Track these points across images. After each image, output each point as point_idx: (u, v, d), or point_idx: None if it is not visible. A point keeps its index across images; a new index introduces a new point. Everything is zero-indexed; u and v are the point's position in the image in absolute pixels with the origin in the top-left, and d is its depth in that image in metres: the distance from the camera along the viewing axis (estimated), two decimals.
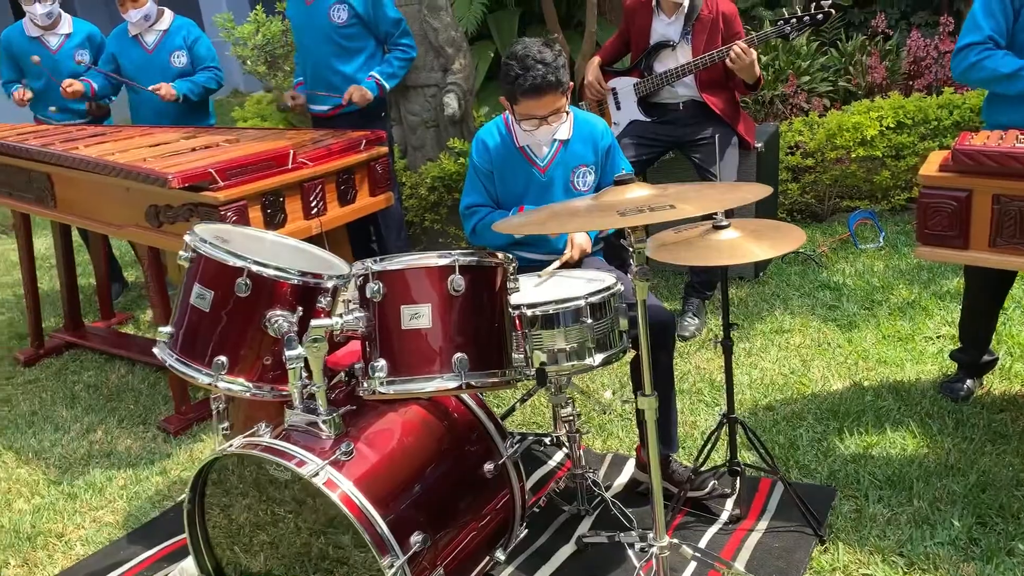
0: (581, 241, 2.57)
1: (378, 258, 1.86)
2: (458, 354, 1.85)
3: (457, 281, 1.84)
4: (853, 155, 4.47)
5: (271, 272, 2.00)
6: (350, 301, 1.96)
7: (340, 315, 1.90)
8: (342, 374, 2.14)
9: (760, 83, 3.67)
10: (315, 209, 3.19)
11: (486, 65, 5.23)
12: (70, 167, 3.21)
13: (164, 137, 3.48)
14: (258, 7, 6.45)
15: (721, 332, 2.38)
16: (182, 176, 2.78)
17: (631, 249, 1.79)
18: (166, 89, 3.91)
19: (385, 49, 3.71)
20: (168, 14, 4.03)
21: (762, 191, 1.90)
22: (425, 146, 4.68)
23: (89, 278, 4.66)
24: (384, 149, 3.49)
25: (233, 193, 2.85)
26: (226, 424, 2.35)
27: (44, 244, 5.64)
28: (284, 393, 2.08)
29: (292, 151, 3.13)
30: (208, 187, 2.86)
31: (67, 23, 4.20)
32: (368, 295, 1.87)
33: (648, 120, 3.79)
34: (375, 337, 1.89)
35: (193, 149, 3.25)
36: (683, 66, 3.64)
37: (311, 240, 3.18)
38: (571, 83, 2.48)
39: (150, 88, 3.88)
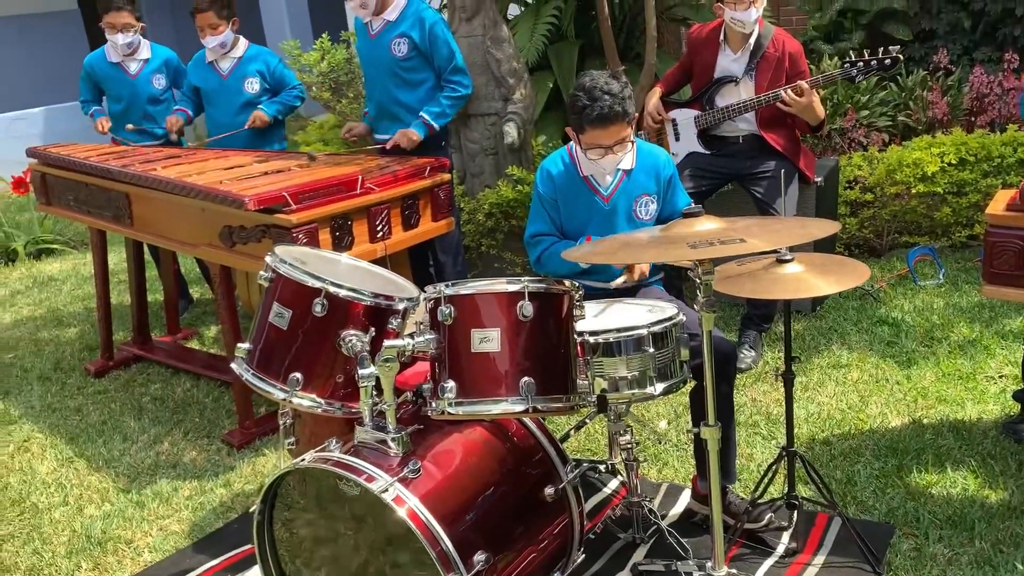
0: (642, 268, 2.61)
1: (450, 283, 1.93)
2: (525, 378, 1.90)
3: (526, 307, 1.90)
4: (913, 191, 4.44)
5: (346, 293, 2.08)
6: (421, 323, 2.03)
7: (411, 336, 1.97)
8: (409, 393, 2.20)
9: (823, 124, 3.69)
10: (380, 233, 3.29)
11: (545, 95, 5.31)
12: (149, 187, 3.36)
13: (238, 160, 3.61)
14: (324, 35, 6.67)
15: (779, 365, 2.39)
16: (258, 199, 2.90)
17: (698, 281, 1.83)
18: (259, 118, 4.04)
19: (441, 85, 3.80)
20: (243, 42, 4.19)
21: (829, 227, 1.93)
22: (484, 173, 4.77)
23: (157, 294, 4.82)
24: (447, 176, 3.58)
25: (305, 216, 2.96)
26: (292, 439, 2.42)
27: (113, 260, 5.84)
28: (353, 410, 2.15)
29: (361, 177, 3.23)
30: (281, 210, 2.97)
31: (146, 48, 4.39)
32: (439, 318, 1.93)
33: (707, 152, 3.83)
34: (445, 359, 1.95)
35: (266, 173, 3.37)
36: (745, 102, 3.67)
37: (376, 263, 3.29)
38: (636, 114, 2.54)
39: (246, 126, 4.03)
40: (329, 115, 6.73)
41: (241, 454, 3.29)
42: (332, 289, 2.06)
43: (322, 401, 2.13)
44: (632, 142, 2.57)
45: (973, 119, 5.29)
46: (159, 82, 4.37)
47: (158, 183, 3.28)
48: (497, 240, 4.68)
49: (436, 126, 3.72)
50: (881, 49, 3.46)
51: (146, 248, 4.28)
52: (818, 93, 3.56)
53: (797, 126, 3.78)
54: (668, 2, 5.67)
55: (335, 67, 6.40)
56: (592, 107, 2.43)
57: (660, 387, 2.20)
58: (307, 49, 6.67)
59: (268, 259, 2.16)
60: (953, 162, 4.42)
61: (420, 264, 4.01)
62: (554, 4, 5.16)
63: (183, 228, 3.39)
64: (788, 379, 2.39)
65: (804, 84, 3.48)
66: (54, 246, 6.17)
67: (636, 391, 2.19)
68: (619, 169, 2.65)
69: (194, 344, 4.43)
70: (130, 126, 4.21)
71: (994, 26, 6.21)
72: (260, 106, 4.09)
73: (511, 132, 4.55)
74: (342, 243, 3.14)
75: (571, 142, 2.70)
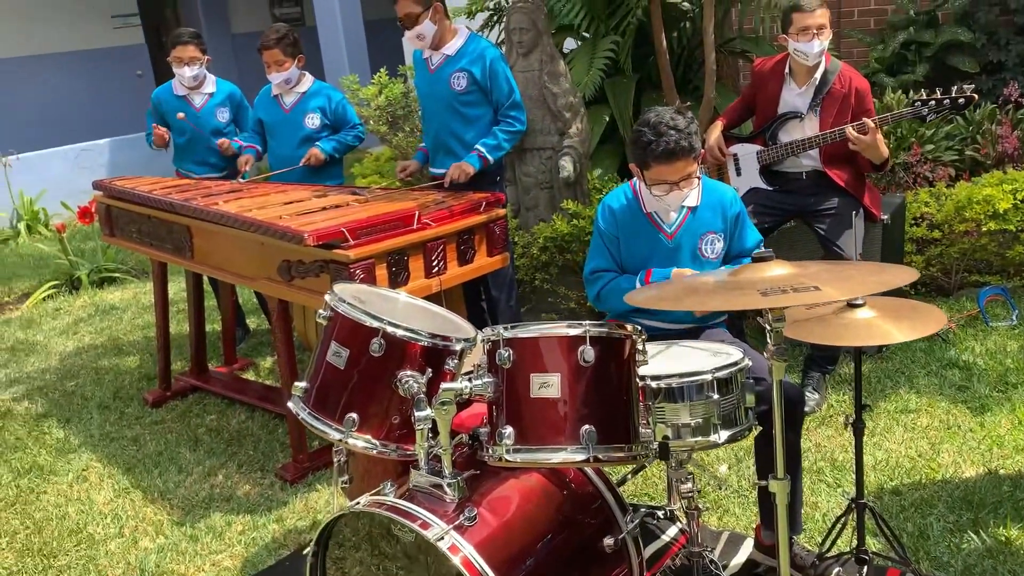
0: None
1: (509, 325, 1.89)
2: (586, 426, 1.85)
3: (588, 352, 1.85)
4: (984, 228, 4.29)
5: (403, 333, 2.05)
6: (479, 365, 1.99)
7: (469, 379, 1.93)
8: (464, 436, 2.16)
9: (887, 164, 3.59)
10: (436, 268, 3.27)
11: (601, 129, 5.28)
12: (210, 221, 3.40)
13: (297, 195, 3.64)
14: (382, 70, 6.75)
15: (846, 410, 2.30)
16: (317, 234, 2.90)
17: (768, 328, 1.76)
18: (315, 156, 4.09)
19: (498, 120, 3.79)
20: (308, 78, 4.25)
21: (907, 275, 1.85)
22: (538, 206, 4.75)
23: (214, 324, 4.88)
24: (502, 211, 3.56)
25: (363, 252, 2.95)
26: (346, 477, 2.40)
27: (173, 289, 5.95)
28: (408, 452, 2.12)
29: (417, 212, 3.23)
30: (340, 245, 2.97)
31: (211, 83, 4.49)
32: (497, 361, 1.89)
33: (770, 188, 3.75)
34: (502, 403, 1.91)
35: (324, 208, 3.39)
36: (810, 139, 3.60)
37: (430, 298, 3.27)
38: (702, 150, 2.50)
39: (302, 163, 4.08)
40: (385, 148, 6.79)
41: (294, 489, 3.28)
42: (390, 329, 2.04)
43: (377, 443, 2.10)
44: (698, 178, 2.51)
45: None
46: (223, 115, 4.46)
47: (219, 217, 3.32)
48: (551, 274, 4.64)
49: (491, 159, 3.70)
50: (955, 88, 3.36)
51: (206, 277, 4.34)
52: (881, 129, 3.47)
53: (860, 164, 3.68)
54: (727, 35, 5.61)
55: (392, 101, 6.47)
56: (657, 142, 2.39)
57: (725, 435, 2.13)
58: (365, 83, 6.76)
59: (327, 297, 2.15)
60: None
61: (473, 299, 3.98)
62: (611, 39, 5.14)
63: (242, 262, 3.42)
64: (858, 429, 2.29)
65: (869, 122, 3.39)
66: (116, 275, 6.30)
67: (699, 439, 2.11)
68: (684, 206, 2.59)
69: (250, 375, 4.46)
70: (225, 142, 4.24)
71: None
72: (318, 143, 4.13)
73: (567, 166, 4.53)
74: (398, 279, 3.13)
75: (634, 178, 2.65)
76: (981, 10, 6.32)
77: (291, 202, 3.52)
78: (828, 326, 2.06)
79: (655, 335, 2.62)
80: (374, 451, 2.11)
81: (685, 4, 5.17)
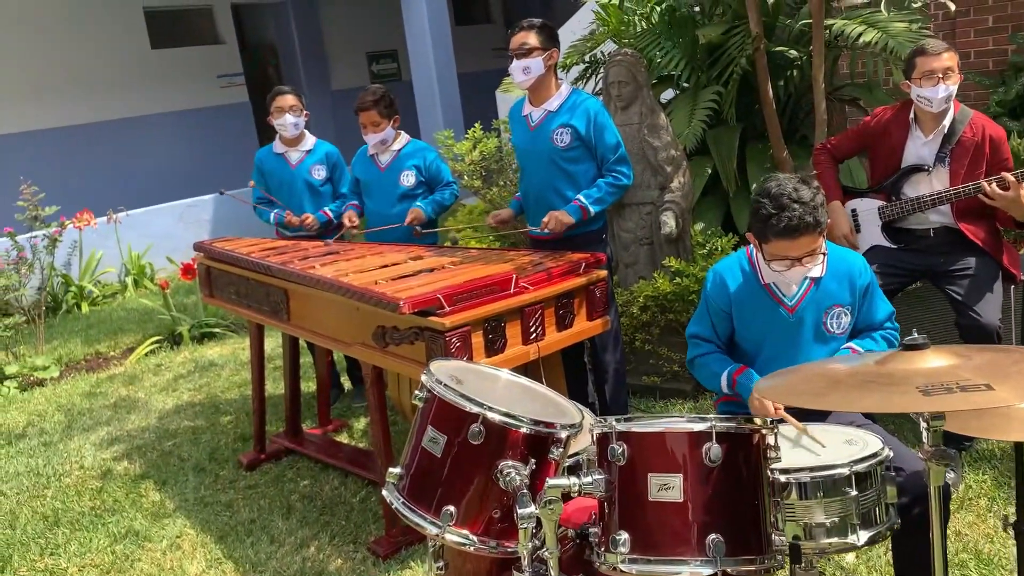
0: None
1: (622, 417, 1.71)
2: (712, 535, 1.64)
3: (714, 450, 1.65)
4: None
5: (504, 419, 1.89)
6: (586, 456, 1.81)
7: (577, 475, 1.75)
8: (571, 531, 1.97)
9: None
10: (534, 334, 3.12)
11: (703, 182, 5.09)
12: (307, 285, 3.34)
13: (393, 257, 3.56)
14: (476, 125, 6.73)
15: (994, 496, 2.01)
16: (412, 302, 2.80)
17: (925, 427, 1.53)
18: (417, 217, 4.05)
19: (602, 174, 3.65)
20: (404, 137, 4.22)
21: None
22: (638, 263, 4.56)
23: (308, 382, 4.84)
24: (603, 273, 3.39)
25: (458, 319, 2.83)
26: (441, 563, 2.24)
27: (270, 345, 5.97)
28: (508, 549, 1.95)
29: (515, 276, 3.09)
30: (435, 312, 2.85)
31: (309, 141, 4.51)
32: (610, 456, 1.71)
33: (893, 247, 3.48)
34: (616, 504, 1.72)
35: (419, 272, 3.29)
36: (940, 194, 3.32)
37: (528, 365, 3.11)
38: (828, 221, 2.28)
39: (406, 222, 4.04)
40: (479, 201, 6.73)
41: (387, 565, 3.14)
42: (490, 415, 1.89)
43: (475, 539, 1.94)
44: (824, 252, 2.30)
45: None
46: (319, 173, 4.46)
47: (315, 282, 3.26)
48: (653, 335, 4.42)
49: (592, 211, 3.55)
50: None
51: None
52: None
53: (998, 219, 3.38)
54: (836, 82, 5.36)
55: (486, 155, 6.42)
56: (779, 217, 2.19)
57: (864, 536, 1.89)
58: (460, 137, 6.75)
59: (424, 378, 2.02)
60: None
61: (575, 358, 3.80)
62: (713, 89, 4.96)
63: (338, 326, 3.34)
64: (1020, 531, 2.00)
65: (1010, 176, 3.11)
66: (216, 330, 6.39)
67: (835, 540, 1.88)
68: (806, 277, 2.38)
69: (343, 437, 4.38)
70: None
71: None
72: (418, 204, 4.08)
73: (669, 222, 4.34)
74: (495, 346, 2.99)
75: (750, 245, 2.45)
76: None
77: (387, 265, 3.44)
78: (985, 416, 1.80)
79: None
80: (471, 548, 1.94)
81: (792, 52, 4.95)
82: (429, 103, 10.56)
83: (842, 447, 2.03)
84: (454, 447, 1.92)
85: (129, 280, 8.27)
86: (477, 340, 2.92)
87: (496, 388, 2.18)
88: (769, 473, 1.74)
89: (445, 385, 1.95)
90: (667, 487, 1.65)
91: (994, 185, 3.16)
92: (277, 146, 4.51)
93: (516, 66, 3.54)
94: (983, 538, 2.84)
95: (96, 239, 8.25)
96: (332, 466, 3.99)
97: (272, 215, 4.48)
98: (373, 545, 3.24)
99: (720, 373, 2.38)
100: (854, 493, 1.88)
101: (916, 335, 1.64)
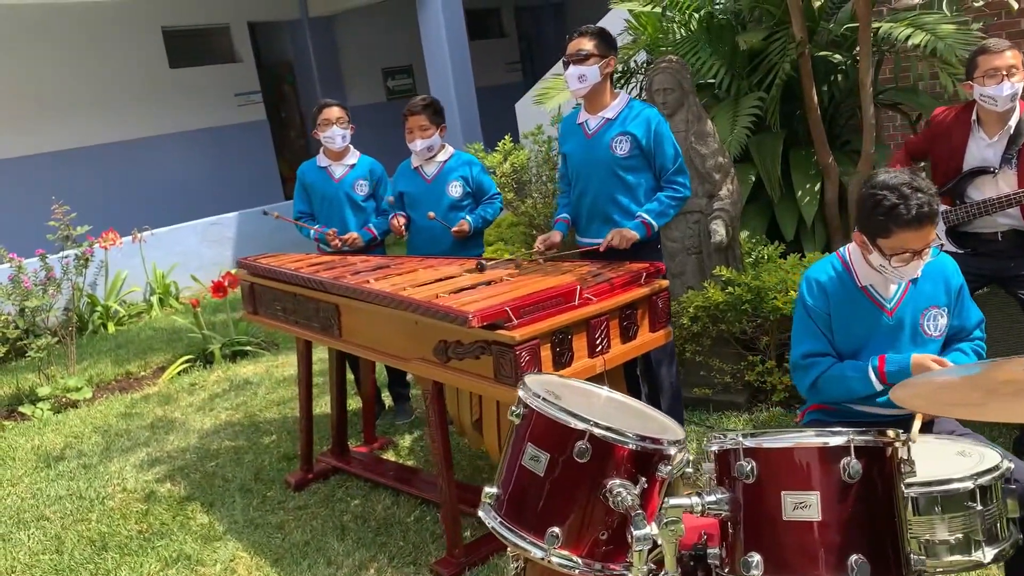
0: None
1: (749, 432, 1.62)
2: (854, 556, 1.55)
3: (853, 466, 1.56)
4: None
5: (610, 435, 1.81)
6: (705, 474, 1.72)
7: (699, 494, 1.66)
8: (684, 553, 1.88)
9: None
10: (599, 347, 3.03)
11: (747, 189, 5.01)
12: (364, 300, 3.27)
13: (448, 270, 3.49)
14: (506, 137, 6.67)
15: None
16: (481, 315, 2.72)
17: None
18: (464, 227, 3.99)
19: (661, 185, 3.56)
20: (448, 148, 4.17)
21: None
22: (685, 273, 4.48)
23: (350, 400, 4.75)
24: (665, 282, 3.31)
25: (527, 332, 2.75)
26: None
27: None
28: (614, 572, 1.86)
29: (579, 287, 3.01)
30: (503, 325, 2.77)
31: (354, 156, 4.45)
32: (736, 474, 1.63)
33: (960, 252, 3.39)
34: (743, 524, 1.63)
35: (479, 284, 3.21)
36: (1008, 197, 3.24)
37: (594, 379, 3.02)
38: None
39: (454, 230, 3.97)
40: (508, 214, 6.66)
41: None
42: (598, 432, 1.80)
43: (579, 561, 1.84)
44: (931, 251, 2.23)
45: None
46: (361, 188, 4.39)
47: (374, 296, 3.18)
48: (704, 346, 4.33)
49: (655, 226, 3.47)
50: None
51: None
52: None
53: None
54: (879, 87, 5.28)
55: (517, 167, 6.36)
56: (907, 206, 2.13)
57: (991, 553, 1.80)
58: (491, 150, 6.69)
59: (521, 393, 1.93)
60: None
61: (628, 373, 3.71)
62: (756, 95, 4.89)
63: (395, 341, 3.27)
64: None
65: None
66: (248, 348, 6.32)
67: (959, 558, 1.79)
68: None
69: (390, 455, 4.30)
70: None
71: None
72: (467, 217, 4.02)
73: (719, 230, 4.26)
74: (562, 359, 2.90)
75: (842, 248, 2.38)
76: None
77: (443, 279, 3.36)
78: None
79: (873, 421, 2.32)
80: (576, 571, 1.85)
81: (836, 56, 4.88)
82: (448, 117, 10.51)
83: (956, 459, 1.94)
84: (558, 465, 1.84)
85: (155, 299, 8.21)
86: (545, 353, 2.84)
87: (594, 404, 2.09)
88: (904, 488, 1.65)
89: (546, 400, 1.87)
90: (803, 505, 1.56)
91: None
92: (321, 159, 4.45)
93: (572, 73, 3.47)
94: None
95: (121, 259, 8.21)
96: (382, 485, 3.90)
97: (312, 231, 4.40)
98: (436, 567, 3.15)
99: (862, 375, 2.25)
100: (980, 508, 1.78)
101: None
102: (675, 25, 5.21)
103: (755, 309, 4.13)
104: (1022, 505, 1.89)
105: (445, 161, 4.14)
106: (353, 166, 4.43)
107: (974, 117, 3.34)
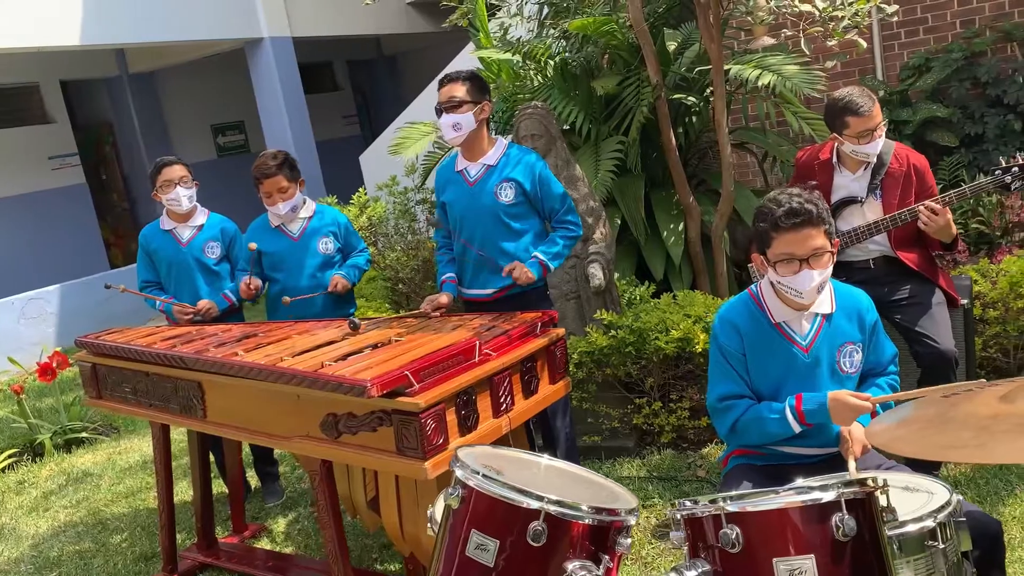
0: (860, 436, 2.18)
1: (729, 496, 1.48)
2: None
3: (847, 522, 1.44)
4: None
5: (570, 512, 1.62)
6: (675, 544, 1.56)
7: (678, 570, 1.50)
8: None
9: (957, 242, 3.36)
10: (503, 405, 2.85)
11: (614, 231, 5.01)
12: (234, 376, 2.92)
13: (326, 335, 3.19)
14: (361, 189, 6.43)
15: None
16: (380, 383, 2.46)
17: None
18: (341, 283, 3.72)
19: (548, 227, 3.47)
20: (310, 202, 3.90)
21: None
22: (565, 319, 4.38)
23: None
24: (562, 331, 3.18)
25: (432, 396, 2.52)
26: None
27: (149, 446, 5.33)
28: None
29: (478, 342, 2.82)
30: (403, 392, 2.53)
31: (202, 215, 4.06)
32: (721, 543, 1.47)
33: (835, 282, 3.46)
34: None
35: (363, 349, 2.95)
36: (873, 224, 3.35)
37: (500, 441, 2.83)
38: (834, 228, 2.23)
39: (328, 290, 3.69)
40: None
41: None
42: (553, 509, 1.60)
43: None
44: (831, 260, 2.21)
45: None
46: (213, 251, 3.99)
47: (248, 371, 2.84)
48: (589, 392, 4.23)
49: (551, 267, 3.35)
50: None
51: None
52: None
53: (930, 244, 3.44)
54: (728, 127, 5.46)
55: (374, 220, 6.12)
56: (780, 205, 2.15)
57: None
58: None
59: (458, 472, 1.71)
60: None
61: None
62: (617, 139, 4.92)
63: (272, 419, 2.93)
64: None
65: (931, 204, 3.18)
66: (83, 435, 5.65)
67: None
68: (817, 314, 2.27)
69: (264, 543, 3.89)
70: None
71: None
72: (340, 272, 3.75)
73: (597, 274, 4.20)
74: (468, 423, 2.69)
75: (753, 284, 2.32)
76: (952, 85, 6.37)
77: (322, 344, 3.07)
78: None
79: (798, 463, 2.25)
80: None
81: (691, 99, 5.00)
82: None
83: (906, 496, 1.88)
84: (508, 551, 1.62)
85: None
86: (451, 418, 2.62)
87: (537, 476, 1.89)
88: (888, 537, 1.55)
89: (488, 477, 1.65)
90: (800, 572, 1.43)
91: (929, 209, 3.20)
92: (164, 222, 4.03)
93: (446, 121, 3.31)
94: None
95: None
96: None
97: (159, 303, 3.96)
98: None
99: (780, 416, 2.16)
100: (941, 546, 1.72)
101: None
102: (531, 72, 5.19)
103: (638, 351, 4.09)
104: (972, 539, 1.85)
105: (310, 217, 3.86)
106: (202, 227, 4.02)
107: (834, 160, 3.45)
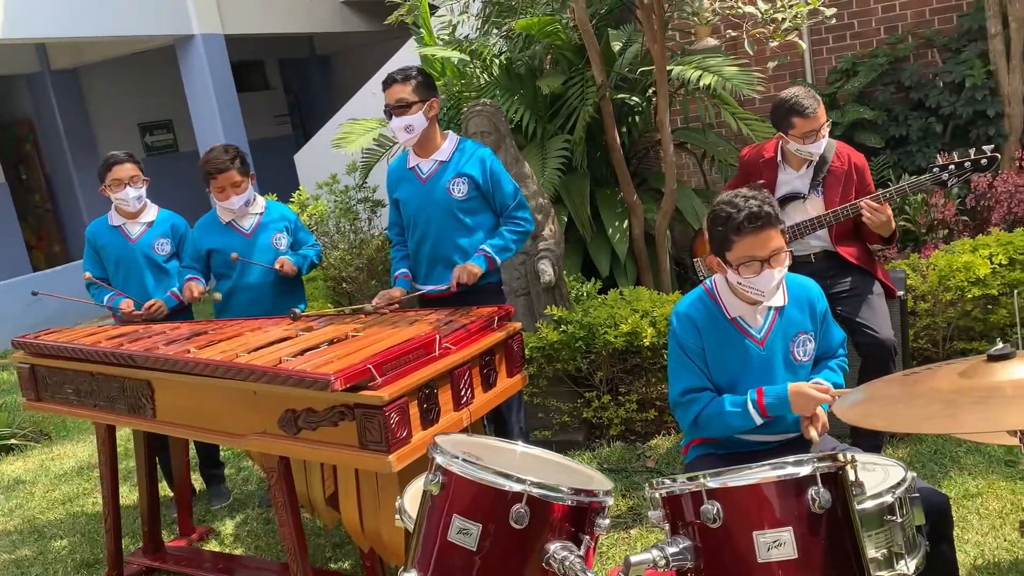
0: (821, 414, 2.26)
1: (711, 472, 1.52)
2: None
3: (823, 495, 1.50)
4: (968, 295, 4.27)
5: (552, 494, 1.64)
6: (655, 523, 1.60)
7: (659, 547, 1.53)
8: None
9: (896, 236, 3.50)
10: (464, 398, 2.86)
11: (560, 229, 5.06)
12: (188, 373, 2.86)
13: (279, 332, 3.15)
14: (301, 187, 6.34)
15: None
16: (344, 376, 2.45)
17: None
18: (288, 265, 3.67)
19: (502, 222, 3.49)
20: (260, 198, 3.84)
21: None
22: (516, 315, 4.41)
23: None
24: (518, 325, 3.21)
25: (395, 390, 2.52)
26: None
27: (87, 451, 5.18)
28: None
29: (438, 336, 2.83)
30: (365, 386, 2.52)
31: (152, 211, 3.96)
32: (702, 519, 1.51)
33: None
34: (707, 573, 1.52)
35: (320, 344, 2.92)
36: (815, 220, 3.47)
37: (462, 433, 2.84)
38: (786, 226, 2.30)
39: (275, 266, 3.64)
40: None
41: None
42: (536, 492, 1.62)
43: None
44: (788, 257, 2.28)
45: (986, 217, 5.27)
46: (163, 248, 3.90)
47: (204, 368, 2.79)
48: (540, 387, 4.28)
49: (498, 261, 3.37)
50: (973, 150, 3.32)
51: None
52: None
53: (867, 238, 3.58)
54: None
55: (316, 219, 6.05)
56: (739, 211, 2.19)
57: (912, 564, 1.81)
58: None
59: (438, 458, 1.71)
60: (1004, 262, 4.29)
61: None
62: (563, 137, 4.98)
63: (225, 417, 2.88)
64: None
65: (871, 202, 3.31)
66: (12, 442, 5.44)
67: (887, 573, 1.79)
68: (770, 307, 2.34)
69: (212, 545, 3.81)
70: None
71: (965, 128, 6.33)
72: (287, 256, 3.72)
73: (547, 270, 4.24)
74: (430, 416, 2.69)
75: (707, 280, 2.39)
76: (878, 89, 6.63)
77: (277, 341, 3.03)
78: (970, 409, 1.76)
79: (757, 450, 2.32)
80: None
81: (634, 98, 5.09)
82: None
83: (864, 474, 1.95)
84: (492, 536, 1.63)
85: None
86: (414, 411, 2.62)
87: (514, 461, 1.91)
88: (858, 510, 1.62)
89: (470, 462, 1.67)
90: (778, 544, 1.48)
91: (871, 204, 3.33)
92: (113, 218, 3.92)
93: (397, 124, 3.29)
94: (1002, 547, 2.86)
95: None
96: None
97: (107, 298, 3.85)
98: None
99: (742, 409, 2.23)
100: (899, 520, 1.80)
101: (1002, 344, 1.60)
102: (477, 71, 5.21)
103: (588, 346, 4.14)
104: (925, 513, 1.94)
105: (261, 213, 3.80)
106: (152, 224, 3.93)
107: (779, 158, 3.56)
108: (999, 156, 3.34)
